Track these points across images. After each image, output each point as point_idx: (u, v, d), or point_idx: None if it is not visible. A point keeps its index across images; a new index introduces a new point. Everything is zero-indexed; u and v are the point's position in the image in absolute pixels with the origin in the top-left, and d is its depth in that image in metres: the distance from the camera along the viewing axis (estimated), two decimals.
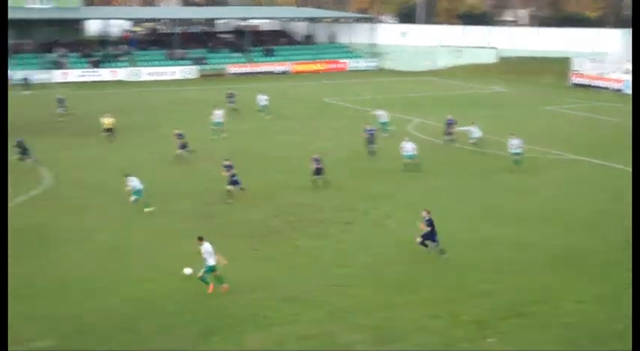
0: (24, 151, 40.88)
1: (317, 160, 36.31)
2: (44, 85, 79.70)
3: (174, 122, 52.37)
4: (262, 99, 59.03)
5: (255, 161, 41.90)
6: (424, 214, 26.58)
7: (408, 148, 39.67)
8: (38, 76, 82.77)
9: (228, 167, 34.19)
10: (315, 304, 22.60)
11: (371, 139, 43.42)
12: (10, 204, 33.44)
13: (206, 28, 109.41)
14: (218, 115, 50.60)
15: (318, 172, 36.22)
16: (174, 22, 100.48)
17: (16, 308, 22.10)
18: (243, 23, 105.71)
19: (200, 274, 23.34)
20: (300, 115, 59.49)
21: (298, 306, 22.50)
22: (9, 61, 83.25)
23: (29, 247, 28.06)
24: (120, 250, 27.71)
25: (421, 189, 36.15)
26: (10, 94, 74.04)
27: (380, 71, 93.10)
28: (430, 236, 26.29)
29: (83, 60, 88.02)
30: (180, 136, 42.36)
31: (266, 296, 23.23)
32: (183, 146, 42.04)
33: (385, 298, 23.07)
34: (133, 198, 32.22)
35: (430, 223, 26.23)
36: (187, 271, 23.42)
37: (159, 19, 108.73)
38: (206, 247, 23.36)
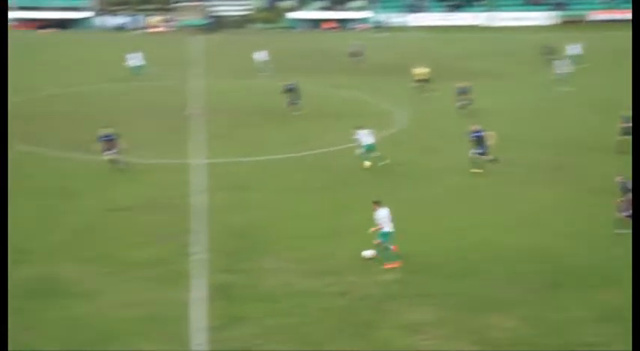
0: (295, 97, 41.16)
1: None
2: (400, 28, 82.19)
3: (517, 72, 51.42)
4: (573, 48, 56.43)
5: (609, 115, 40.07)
6: (618, 179, 23.52)
7: None
8: (395, 19, 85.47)
9: (475, 135, 30.76)
10: None
11: None
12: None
13: None
14: (560, 65, 48.71)
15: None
16: None
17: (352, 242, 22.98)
18: None
19: (376, 241, 21.54)
20: None
21: None
22: (371, 5, 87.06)
23: (384, 184, 29.23)
24: (469, 194, 27.84)
25: None
26: (364, 35, 77.26)
27: None
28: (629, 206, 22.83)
29: (441, 4, 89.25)
30: (463, 90, 40.99)
31: (620, 254, 22.08)
32: (463, 101, 40.69)
33: None
34: (360, 150, 31.50)
35: (626, 189, 23.01)
36: (368, 253, 21.72)
37: None
38: (382, 212, 21.43)
